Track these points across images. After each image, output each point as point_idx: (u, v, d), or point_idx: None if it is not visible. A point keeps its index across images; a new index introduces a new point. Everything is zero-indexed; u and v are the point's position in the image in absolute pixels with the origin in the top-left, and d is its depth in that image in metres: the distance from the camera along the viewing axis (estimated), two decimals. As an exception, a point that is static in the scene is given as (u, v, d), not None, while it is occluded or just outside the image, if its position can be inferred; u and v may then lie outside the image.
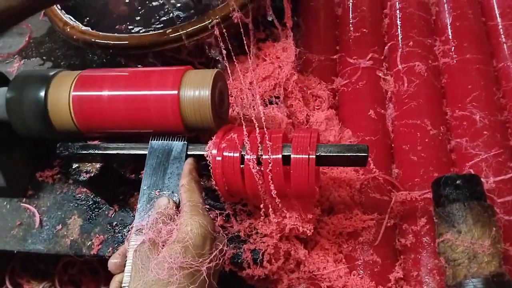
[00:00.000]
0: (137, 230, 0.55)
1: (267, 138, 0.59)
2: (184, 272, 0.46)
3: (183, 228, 0.50)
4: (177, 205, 0.57)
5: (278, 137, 0.59)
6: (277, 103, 0.80)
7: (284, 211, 0.63)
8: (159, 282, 0.46)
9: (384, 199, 0.75)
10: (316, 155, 0.57)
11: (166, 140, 0.64)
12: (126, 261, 0.53)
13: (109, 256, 0.71)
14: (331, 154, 0.56)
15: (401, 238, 0.74)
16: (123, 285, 0.52)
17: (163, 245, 0.49)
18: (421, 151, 0.79)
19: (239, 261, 0.67)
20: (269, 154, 0.58)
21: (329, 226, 0.73)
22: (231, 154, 0.60)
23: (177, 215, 0.53)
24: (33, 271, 0.95)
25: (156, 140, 0.64)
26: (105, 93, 0.63)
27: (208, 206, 0.58)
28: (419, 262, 0.71)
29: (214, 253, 0.49)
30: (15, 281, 0.95)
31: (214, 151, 0.61)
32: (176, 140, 0.63)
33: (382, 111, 0.86)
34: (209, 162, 0.61)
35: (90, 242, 0.73)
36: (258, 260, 0.66)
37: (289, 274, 0.70)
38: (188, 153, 0.63)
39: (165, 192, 0.59)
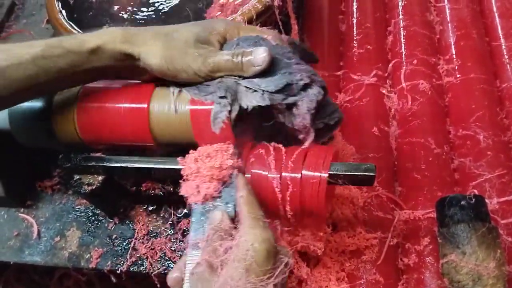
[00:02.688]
0: (193, 245, 0.51)
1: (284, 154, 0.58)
2: None
3: (243, 244, 0.45)
4: (233, 219, 0.53)
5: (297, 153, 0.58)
6: (281, 118, 0.80)
7: (299, 229, 0.61)
8: None
9: (387, 217, 0.75)
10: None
11: None
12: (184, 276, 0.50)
13: (108, 270, 0.70)
14: (338, 173, 0.56)
15: (404, 258, 0.73)
16: None
17: (221, 265, 0.45)
18: (424, 169, 0.79)
19: (240, 278, 0.66)
20: (289, 171, 0.57)
21: (332, 243, 0.72)
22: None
23: (234, 230, 0.49)
24: (27, 283, 0.93)
25: None
26: (111, 105, 0.62)
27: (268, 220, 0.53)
28: (422, 283, 0.70)
29: (279, 268, 0.45)
30: (9, 291, 0.94)
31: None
32: None
33: (386, 128, 0.86)
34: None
35: (88, 255, 0.72)
36: (260, 277, 0.65)
37: (291, 292, 0.69)
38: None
39: (219, 204, 0.55)
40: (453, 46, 0.95)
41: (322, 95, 0.58)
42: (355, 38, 0.98)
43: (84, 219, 0.76)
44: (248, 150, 0.61)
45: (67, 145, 0.66)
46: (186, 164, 0.58)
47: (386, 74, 0.93)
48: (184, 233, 0.71)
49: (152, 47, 0.59)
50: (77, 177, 0.67)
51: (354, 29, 0.99)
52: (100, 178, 0.66)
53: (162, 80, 0.62)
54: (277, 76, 0.57)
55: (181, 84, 0.61)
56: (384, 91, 0.90)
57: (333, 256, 0.72)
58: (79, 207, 0.77)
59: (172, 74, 0.59)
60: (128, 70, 0.62)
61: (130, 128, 0.62)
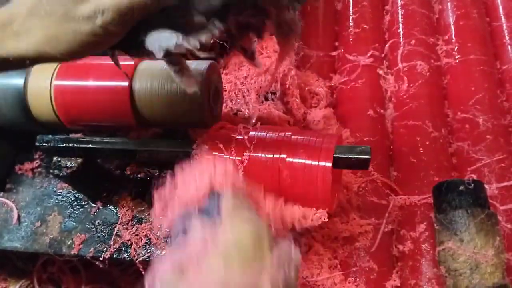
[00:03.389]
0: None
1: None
2: None
3: (221, 236, 0.40)
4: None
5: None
6: (273, 100, 0.76)
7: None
8: None
9: (382, 203, 0.72)
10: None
11: None
12: None
13: (91, 257, 0.67)
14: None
15: (399, 245, 0.70)
16: None
17: (197, 261, 0.39)
18: (421, 154, 0.76)
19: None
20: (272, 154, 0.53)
21: (324, 230, 0.70)
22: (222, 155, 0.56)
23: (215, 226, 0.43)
24: (10, 269, 0.90)
25: None
26: (90, 83, 0.59)
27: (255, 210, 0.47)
28: (418, 270, 0.68)
29: (273, 259, 0.39)
30: (-9, 278, 0.90)
31: (204, 150, 0.57)
32: None
33: (382, 111, 0.83)
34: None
35: (70, 241, 0.69)
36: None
37: (281, 280, 0.67)
38: (175, 150, 0.59)
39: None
40: (452, 26, 0.91)
41: None
42: (351, 17, 0.94)
43: (66, 203, 0.72)
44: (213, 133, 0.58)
45: (45, 125, 0.63)
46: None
47: (382, 55, 0.90)
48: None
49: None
50: (56, 159, 0.63)
51: (350, 7, 0.95)
52: (80, 160, 0.63)
53: None
54: None
55: None
56: (380, 72, 0.86)
57: (325, 242, 0.69)
58: (61, 191, 0.73)
59: None
60: None
61: (110, 107, 0.58)
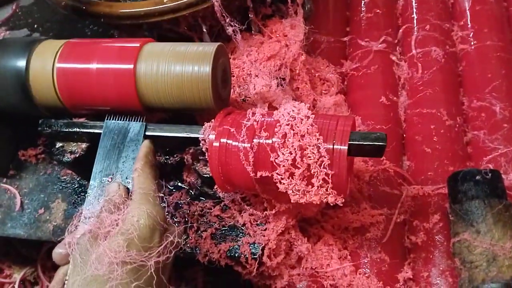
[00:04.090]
0: (84, 218, 0.50)
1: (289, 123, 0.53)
2: (126, 268, 0.42)
3: (129, 218, 0.46)
4: (128, 193, 0.52)
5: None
6: (282, 85, 0.74)
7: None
8: (98, 278, 0.42)
9: (394, 193, 0.70)
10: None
11: (123, 120, 0.58)
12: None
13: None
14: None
15: (411, 236, 0.68)
16: (66, 278, 0.47)
17: (105, 236, 0.45)
18: (435, 142, 0.73)
19: (236, 255, 0.62)
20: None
21: (334, 219, 0.68)
22: (231, 142, 0.54)
23: (125, 204, 0.49)
24: (14, 256, 0.89)
25: (112, 119, 0.58)
26: (94, 65, 0.57)
27: (162, 194, 0.54)
28: (430, 262, 0.66)
29: (163, 246, 0.45)
30: (-5, 265, 0.89)
31: (212, 136, 0.55)
32: (134, 120, 0.58)
33: (395, 98, 0.80)
34: (206, 147, 0.56)
35: (74, 229, 0.67)
36: (258, 255, 0.61)
37: (290, 270, 0.65)
38: (184, 135, 0.57)
39: (118, 177, 0.54)
40: (468, 11, 0.88)
41: None
42: (363, 1, 0.90)
43: (70, 190, 0.71)
44: (222, 118, 0.56)
45: (48, 110, 0.61)
46: None
47: (396, 41, 0.87)
48: (176, 206, 0.67)
49: None
50: (60, 145, 0.61)
51: (362, -9, 0.92)
52: (84, 145, 0.61)
53: None
54: None
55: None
56: (393, 59, 0.84)
57: (335, 233, 0.67)
58: (64, 177, 0.72)
59: None
60: None
61: (115, 91, 0.56)
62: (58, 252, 0.49)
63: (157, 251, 0.44)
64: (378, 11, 0.89)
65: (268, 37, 0.77)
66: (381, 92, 0.79)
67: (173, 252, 0.46)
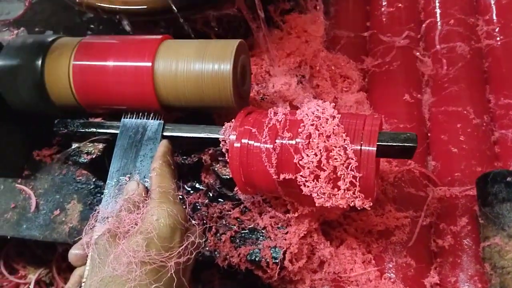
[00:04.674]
0: (101, 218, 0.48)
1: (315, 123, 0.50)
2: (146, 268, 0.41)
3: (148, 217, 0.44)
4: (147, 191, 0.50)
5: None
6: (301, 83, 0.72)
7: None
8: (116, 279, 0.40)
9: (420, 194, 0.67)
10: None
11: (141, 118, 0.57)
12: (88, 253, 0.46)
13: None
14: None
15: (438, 239, 0.66)
16: (83, 280, 0.45)
17: (124, 236, 0.44)
18: (462, 142, 0.71)
19: (256, 259, 0.60)
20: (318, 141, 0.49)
21: (357, 222, 0.65)
22: (253, 142, 0.52)
23: (144, 203, 0.47)
24: (29, 257, 0.88)
25: (129, 118, 0.57)
26: (111, 63, 0.55)
27: (181, 194, 0.53)
28: (458, 267, 0.63)
29: (184, 247, 0.43)
30: (10, 266, 0.89)
31: (233, 137, 0.53)
32: (151, 118, 0.57)
33: (419, 96, 0.77)
34: (226, 148, 0.54)
35: (90, 231, 0.66)
36: (279, 259, 0.59)
37: (312, 274, 0.63)
38: (204, 135, 0.55)
39: (136, 177, 0.53)
40: (493, 6, 0.85)
41: None
42: (384, -5, 0.88)
43: (85, 191, 0.69)
44: (243, 117, 0.54)
45: (63, 109, 0.59)
46: None
47: (419, 36, 0.84)
48: (194, 208, 0.65)
49: None
50: (76, 145, 0.60)
51: (383, -15, 0.89)
52: (100, 146, 0.59)
53: None
54: None
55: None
56: (417, 54, 0.81)
57: (359, 236, 0.65)
58: (80, 178, 0.70)
59: None
60: None
61: (132, 89, 0.54)
62: (74, 253, 0.48)
63: (178, 251, 0.43)
64: (399, 5, 0.86)
65: (287, 33, 0.75)
66: (404, 89, 0.77)
67: (194, 254, 0.44)
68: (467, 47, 0.79)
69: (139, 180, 0.52)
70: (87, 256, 0.45)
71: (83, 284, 0.45)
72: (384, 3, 0.87)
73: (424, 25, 0.84)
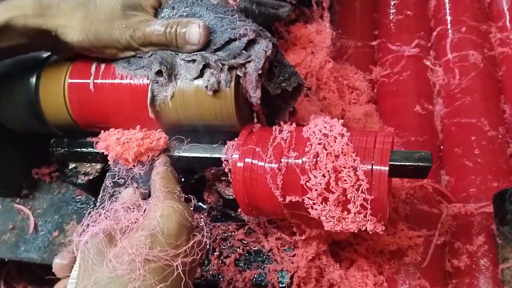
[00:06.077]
0: (94, 222, 0.44)
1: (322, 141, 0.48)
2: (150, 266, 0.38)
3: (151, 214, 0.41)
4: (145, 198, 0.47)
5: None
6: (308, 96, 0.69)
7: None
8: (117, 279, 0.37)
9: (433, 212, 0.64)
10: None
11: None
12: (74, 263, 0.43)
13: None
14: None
15: (453, 259, 0.63)
16: (70, 281, 0.42)
17: (122, 234, 0.40)
18: (477, 155, 0.68)
19: (262, 283, 0.57)
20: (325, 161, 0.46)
21: (368, 242, 0.62)
22: (256, 162, 0.49)
23: (145, 203, 0.44)
24: (30, 276, 0.86)
25: None
26: (108, 81, 0.53)
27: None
28: (475, 289, 0.60)
29: (190, 245, 0.40)
30: (11, 286, 0.86)
31: (236, 156, 0.50)
32: None
33: (430, 107, 0.74)
34: (228, 168, 0.51)
35: (90, 253, 0.63)
36: (286, 283, 0.56)
37: (320, 298, 0.60)
38: (205, 155, 0.52)
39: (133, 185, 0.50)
40: (507, 12, 0.82)
41: (270, 50, 0.49)
42: (392, 2, 0.85)
43: (85, 211, 0.66)
44: (246, 135, 0.51)
45: (60, 128, 0.57)
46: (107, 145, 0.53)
47: (429, 44, 0.81)
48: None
49: (72, 21, 0.50)
50: (73, 166, 0.57)
51: (391, -8, 0.86)
52: (98, 166, 0.57)
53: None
54: (218, 34, 0.50)
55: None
56: (427, 64, 0.78)
57: (370, 257, 0.62)
58: (79, 197, 0.68)
59: (97, 50, 0.51)
60: (47, 47, 0.54)
61: (130, 108, 0.52)
62: (59, 262, 0.44)
63: (184, 249, 0.40)
64: (408, 12, 0.83)
65: (292, 44, 0.72)
66: (415, 100, 0.74)
67: (200, 254, 0.41)
68: (480, 55, 0.76)
69: (135, 187, 0.49)
70: (72, 266, 0.42)
71: None
72: (392, 11, 0.85)
73: (434, 33, 0.81)
